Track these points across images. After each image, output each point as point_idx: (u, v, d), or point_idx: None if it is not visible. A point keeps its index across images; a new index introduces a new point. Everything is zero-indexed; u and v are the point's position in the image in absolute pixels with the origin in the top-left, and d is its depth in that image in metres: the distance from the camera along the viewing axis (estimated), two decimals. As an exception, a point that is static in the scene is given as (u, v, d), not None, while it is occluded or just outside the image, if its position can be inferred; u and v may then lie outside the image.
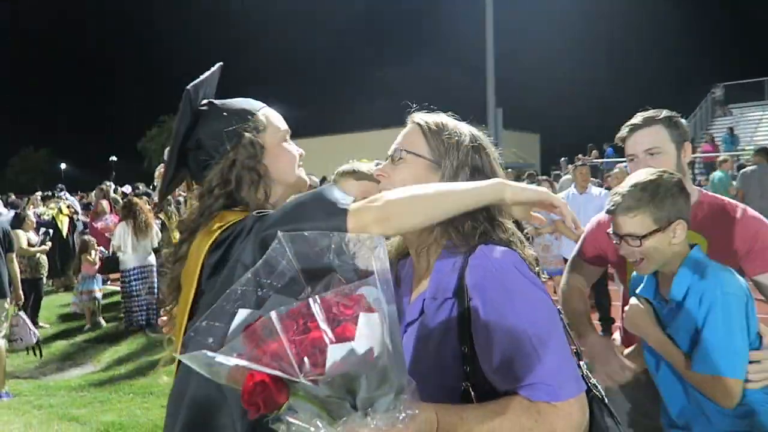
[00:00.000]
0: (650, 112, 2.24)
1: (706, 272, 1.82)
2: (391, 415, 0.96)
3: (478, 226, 1.33)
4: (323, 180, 12.91)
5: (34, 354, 6.65)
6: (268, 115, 1.60)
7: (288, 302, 0.98)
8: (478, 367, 1.23)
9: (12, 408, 5.52)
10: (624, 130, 2.24)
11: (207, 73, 1.60)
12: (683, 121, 2.26)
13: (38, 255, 8.37)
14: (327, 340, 0.91)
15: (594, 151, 20.77)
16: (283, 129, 1.62)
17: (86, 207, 13.97)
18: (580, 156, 20.29)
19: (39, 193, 13.81)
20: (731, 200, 2.23)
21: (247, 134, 1.51)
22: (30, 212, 8.81)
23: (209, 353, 0.93)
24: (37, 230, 8.94)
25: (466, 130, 1.45)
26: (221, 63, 1.67)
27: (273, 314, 0.93)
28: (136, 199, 8.39)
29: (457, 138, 1.41)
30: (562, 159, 17.57)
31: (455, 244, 1.33)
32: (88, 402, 5.56)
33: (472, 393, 1.24)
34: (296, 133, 1.77)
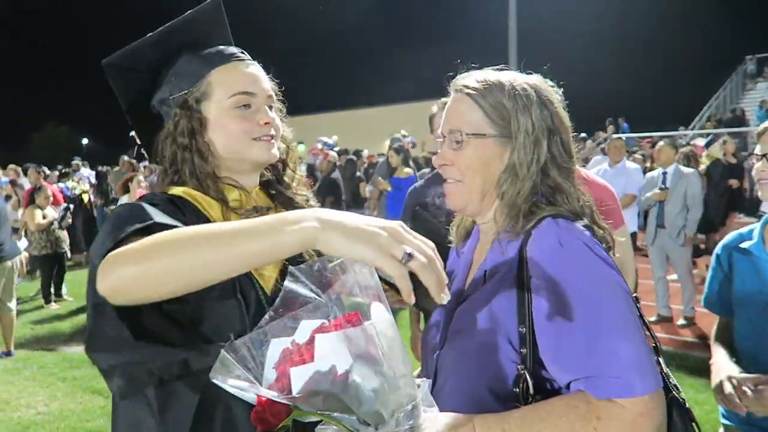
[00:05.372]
0: None
1: None
2: (407, 429, 0.93)
3: (539, 197, 1.20)
4: (357, 153, 12.86)
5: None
6: (221, 75, 1.31)
7: (315, 325, 0.97)
8: (537, 352, 1.09)
9: (37, 380, 5.62)
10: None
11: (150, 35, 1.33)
12: None
13: (56, 230, 8.44)
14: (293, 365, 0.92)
15: (611, 126, 20.32)
16: (236, 92, 1.30)
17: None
18: (600, 133, 19.86)
19: (49, 171, 13.62)
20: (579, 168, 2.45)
21: (182, 106, 1.29)
22: (48, 187, 8.85)
23: (237, 385, 0.93)
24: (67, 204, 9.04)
25: (523, 82, 1.23)
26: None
27: (275, 348, 0.95)
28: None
29: (522, 99, 1.20)
30: (582, 135, 17.23)
31: (509, 230, 1.19)
32: (111, 375, 5.62)
33: (529, 380, 1.09)
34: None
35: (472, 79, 1.25)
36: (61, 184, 11.43)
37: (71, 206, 9.39)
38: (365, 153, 13.90)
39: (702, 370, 4.56)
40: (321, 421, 0.93)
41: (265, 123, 1.32)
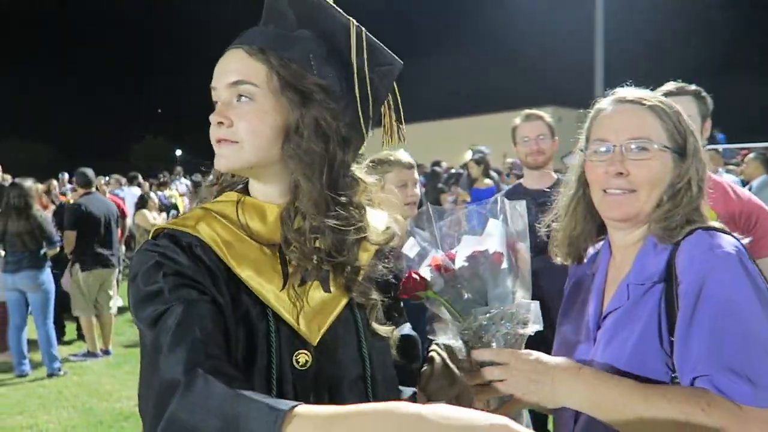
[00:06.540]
0: (678, 84, 2.32)
1: None
2: (511, 333, 1.18)
3: (686, 214, 1.23)
4: (437, 163, 12.90)
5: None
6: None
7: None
8: None
9: (136, 373, 5.96)
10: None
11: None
12: (709, 99, 2.36)
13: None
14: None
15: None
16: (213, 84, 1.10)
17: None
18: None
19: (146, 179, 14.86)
20: (730, 182, 2.40)
21: None
22: (153, 194, 9.61)
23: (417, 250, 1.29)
24: (163, 211, 9.81)
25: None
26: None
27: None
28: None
29: (688, 125, 1.29)
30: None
31: (663, 233, 1.23)
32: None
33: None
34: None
35: (644, 94, 1.31)
36: (159, 193, 12.31)
37: (174, 212, 10.17)
38: (444, 164, 13.91)
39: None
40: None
41: (218, 123, 1.06)
